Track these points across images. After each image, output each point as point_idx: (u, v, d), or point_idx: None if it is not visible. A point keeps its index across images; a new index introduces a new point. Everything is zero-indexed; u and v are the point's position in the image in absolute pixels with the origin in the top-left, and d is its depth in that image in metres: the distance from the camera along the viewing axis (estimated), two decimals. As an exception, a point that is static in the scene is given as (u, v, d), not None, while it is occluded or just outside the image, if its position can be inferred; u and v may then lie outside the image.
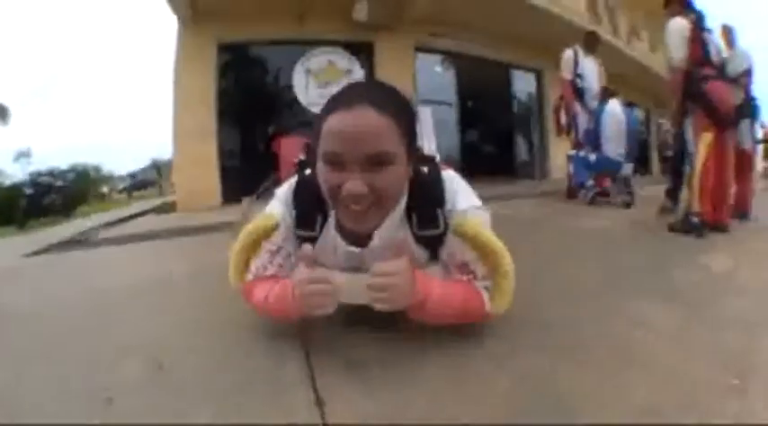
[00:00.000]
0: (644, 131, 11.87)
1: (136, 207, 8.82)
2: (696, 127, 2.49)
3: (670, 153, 11.09)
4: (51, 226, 6.43)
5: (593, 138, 4.00)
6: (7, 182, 13.85)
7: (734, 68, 3.00)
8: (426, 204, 0.95)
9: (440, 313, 0.90)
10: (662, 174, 10.98)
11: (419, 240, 0.97)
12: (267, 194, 1.09)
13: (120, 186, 23.73)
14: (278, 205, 1.02)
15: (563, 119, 4.77)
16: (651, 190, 4.60)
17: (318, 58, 5.75)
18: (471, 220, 0.92)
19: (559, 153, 6.56)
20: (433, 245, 0.99)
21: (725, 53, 2.89)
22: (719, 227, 2.46)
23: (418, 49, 6.97)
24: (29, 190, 8.56)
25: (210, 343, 1.11)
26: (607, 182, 4.14)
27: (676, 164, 3.15)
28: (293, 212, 1.00)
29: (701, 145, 2.44)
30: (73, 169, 14.29)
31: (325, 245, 1.00)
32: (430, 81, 7.23)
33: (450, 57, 7.58)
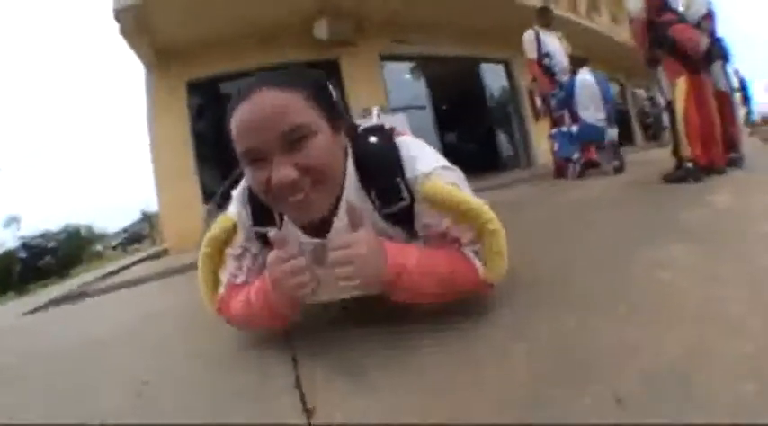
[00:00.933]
0: (622, 102, 11.95)
1: (130, 259, 8.75)
2: (669, 73, 2.49)
3: (650, 120, 11.15)
4: (49, 287, 6.35)
5: (568, 105, 4.01)
6: (0, 250, 13.77)
7: (693, 14, 3.00)
8: (382, 176, 0.85)
9: (423, 284, 0.80)
10: (646, 142, 11.05)
11: (387, 218, 0.88)
12: (227, 200, 1.02)
13: (114, 242, 23.50)
14: (233, 205, 0.95)
15: (538, 102, 4.77)
16: (638, 156, 4.58)
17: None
18: (437, 183, 0.82)
19: (541, 139, 6.54)
20: (405, 221, 0.89)
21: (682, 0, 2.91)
22: (715, 170, 2.43)
23: (384, 58, 6.98)
24: (22, 255, 8.46)
25: (194, 365, 1.06)
26: (593, 153, 4.11)
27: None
28: (248, 208, 0.92)
29: (678, 90, 2.43)
30: (64, 230, 14.08)
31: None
32: (400, 88, 7.23)
33: (417, 60, 7.60)
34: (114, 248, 22.25)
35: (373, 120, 1.08)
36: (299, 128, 0.72)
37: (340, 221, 0.83)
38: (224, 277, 0.97)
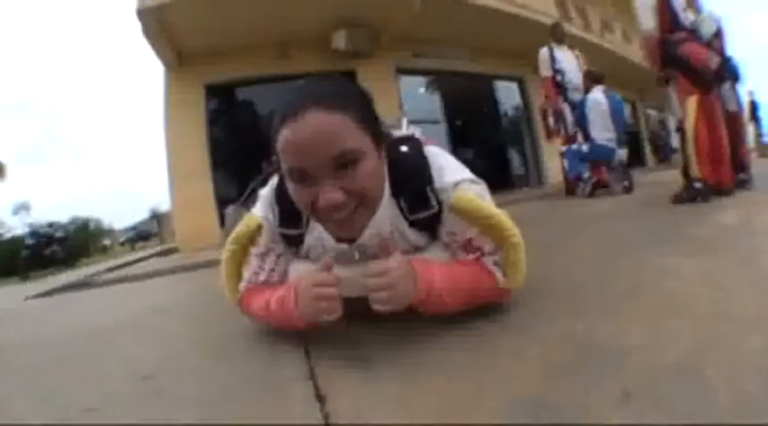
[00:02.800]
0: (634, 123, 11.94)
1: (138, 254, 8.81)
2: (680, 92, 2.52)
3: (661, 142, 11.11)
4: (54, 275, 6.38)
5: (582, 127, 4.07)
6: (8, 235, 13.79)
7: (704, 32, 3.02)
8: (413, 185, 0.88)
9: (449, 300, 0.84)
10: (656, 163, 11.02)
11: (414, 224, 0.91)
12: (253, 199, 1.06)
13: (122, 239, 23.65)
14: (260, 206, 0.98)
15: (551, 121, 4.79)
16: (648, 177, 4.58)
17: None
18: (467, 194, 0.85)
19: (553, 157, 6.58)
20: (430, 227, 0.93)
21: (692, 18, 2.94)
22: (723, 191, 2.43)
23: (400, 71, 7.10)
24: (29, 241, 8.49)
25: (203, 355, 1.07)
26: (603, 173, 4.14)
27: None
28: (276, 210, 0.94)
29: (689, 109, 2.45)
30: (73, 222, 14.10)
31: (312, 244, 0.96)
32: (415, 101, 7.34)
33: (432, 75, 7.70)
34: (122, 244, 22.38)
35: (403, 130, 1.12)
36: (348, 152, 0.72)
37: (370, 229, 0.87)
38: (246, 273, 1.01)
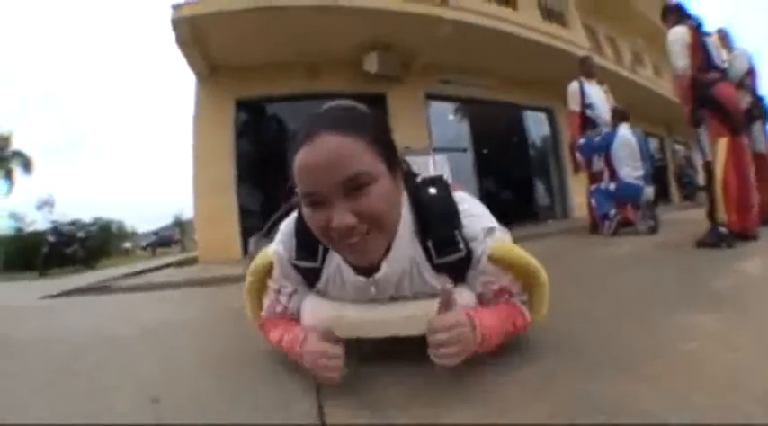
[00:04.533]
0: (661, 159, 11.73)
1: (157, 261, 8.93)
2: (711, 133, 2.46)
3: (686, 180, 10.85)
4: (72, 275, 6.49)
5: (605, 156, 4.05)
6: (30, 229, 14.07)
7: (736, 71, 2.97)
8: (441, 227, 0.87)
9: (495, 341, 0.86)
10: (682, 200, 10.74)
11: (440, 268, 0.90)
12: (276, 230, 1.06)
13: (143, 243, 24.11)
14: (277, 240, 0.98)
15: (578, 155, 4.71)
16: (673, 215, 4.46)
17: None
18: (505, 244, 0.89)
19: (579, 191, 6.48)
20: (457, 272, 0.91)
21: (725, 56, 2.89)
22: (748, 236, 2.36)
23: (430, 97, 7.14)
24: (51, 238, 8.60)
25: (213, 379, 1.06)
26: (629, 211, 4.04)
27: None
28: (293, 243, 0.94)
29: (719, 152, 2.39)
30: (95, 222, 14.25)
31: (331, 277, 0.94)
32: (444, 128, 7.33)
33: (461, 102, 7.70)
34: (143, 248, 22.84)
35: (430, 169, 1.13)
36: (359, 175, 0.73)
37: (389, 264, 0.86)
38: (266, 303, 1.04)
